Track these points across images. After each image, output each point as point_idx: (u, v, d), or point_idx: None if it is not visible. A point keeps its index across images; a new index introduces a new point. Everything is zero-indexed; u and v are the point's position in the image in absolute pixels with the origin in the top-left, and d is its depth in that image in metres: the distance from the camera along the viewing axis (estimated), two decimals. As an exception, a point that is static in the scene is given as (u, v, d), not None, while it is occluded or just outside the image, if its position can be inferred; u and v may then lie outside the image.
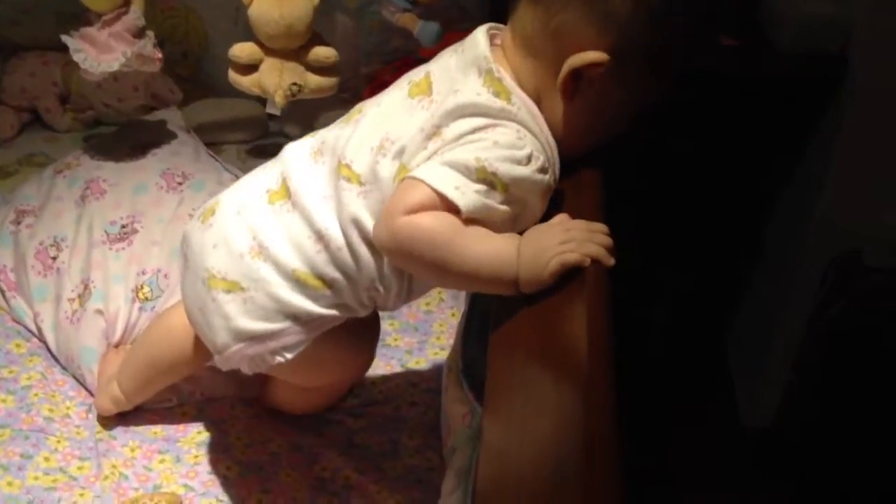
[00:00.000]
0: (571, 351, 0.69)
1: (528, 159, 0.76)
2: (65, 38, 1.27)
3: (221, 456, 1.05)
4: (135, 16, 1.29)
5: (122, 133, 1.44)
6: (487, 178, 0.75)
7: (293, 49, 1.37)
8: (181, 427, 1.08)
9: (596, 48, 0.76)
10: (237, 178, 1.34)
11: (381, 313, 0.96)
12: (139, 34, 1.30)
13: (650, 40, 0.77)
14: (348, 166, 0.82)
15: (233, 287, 0.86)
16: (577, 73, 0.78)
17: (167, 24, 1.57)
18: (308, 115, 1.51)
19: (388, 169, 0.80)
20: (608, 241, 0.75)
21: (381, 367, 1.15)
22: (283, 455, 1.05)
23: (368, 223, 0.80)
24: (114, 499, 0.98)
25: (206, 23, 1.60)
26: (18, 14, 1.56)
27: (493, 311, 0.80)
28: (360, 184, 0.81)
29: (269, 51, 1.37)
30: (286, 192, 0.86)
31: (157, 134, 1.41)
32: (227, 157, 1.49)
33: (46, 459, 1.02)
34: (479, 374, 0.87)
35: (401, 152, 0.80)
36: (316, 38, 1.39)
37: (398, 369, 1.18)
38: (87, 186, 1.27)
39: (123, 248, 1.19)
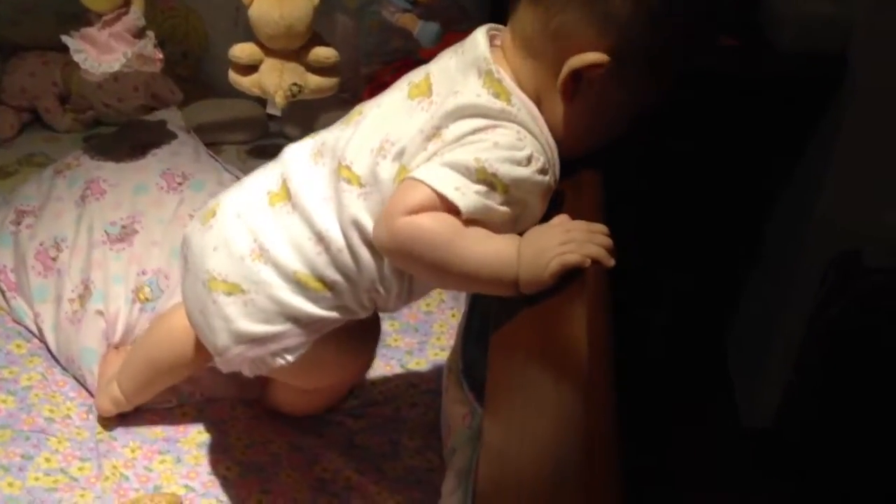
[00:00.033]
0: (572, 352, 0.69)
1: (529, 160, 0.76)
2: (65, 39, 1.27)
3: (222, 457, 1.05)
4: (135, 16, 1.29)
5: (123, 133, 1.44)
6: (487, 179, 0.75)
7: (293, 49, 1.37)
8: (182, 428, 1.08)
9: (596, 49, 0.76)
10: (237, 178, 1.35)
11: (381, 314, 0.97)
12: (139, 34, 1.30)
13: (650, 41, 0.77)
14: (348, 168, 0.82)
15: (233, 289, 0.86)
16: (577, 75, 0.78)
17: (167, 24, 1.57)
18: (308, 115, 1.52)
19: (388, 170, 0.80)
20: (608, 241, 0.75)
21: (381, 367, 1.15)
22: (284, 456, 1.05)
23: (369, 225, 0.80)
24: (114, 499, 0.98)
25: (206, 23, 1.60)
26: (18, 14, 1.56)
27: (493, 311, 0.80)
28: (361, 185, 0.81)
29: (269, 51, 1.37)
30: (286, 194, 0.86)
31: (157, 134, 1.41)
32: (227, 157, 1.49)
33: (47, 460, 1.02)
34: (479, 375, 0.87)
35: (401, 153, 0.80)
36: (316, 39, 1.39)
37: (398, 370, 1.18)
38: (88, 187, 1.27)
39: (123, 249, 1.19)
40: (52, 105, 1.56)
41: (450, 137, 0.77)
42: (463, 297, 1.21)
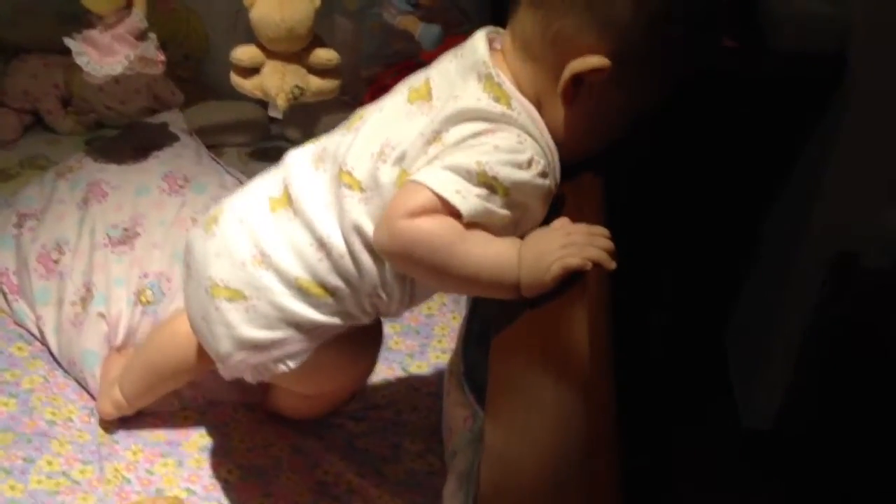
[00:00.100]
0: (573, 354, 0.69)
1: (529, 163, 0.77)
2: (67, 41, 1.27)
3: (223, 460, 1.05)
4: (137, 18, 1.29)
5: (124, 136, 1.44)
6: (488, 182, 0.75)
7: (295, 52, 1.37)
8: (183, 431, 1.08)
9: (597, 53, 0.77)
10: (239, 180, 1.35)
11: (382, 319, 0.97)
12: (141, 36, 1.30)
13: (651, 45, 0.77)
14: (349, 173, 0.82)
15: (235, 295, 0.86)
16: (577, 79, 0.78)
17: (168, 26, 1.57)
18: (309, 118, 1.52)
19: (388, 175, 0.80)
20: (609, 244, 0.75)
21: (382, 370, 1.15)
22: (285, 459, 1.05)
23: (370, 230, 0.80)
24: (116, 503, 0.98)
25: (206, 25, 1.60)
26: (19, 15, 1.56)
27: (494, 314, 0.80)
28: (362, 190, 0.81)
29: (270, 54, 1.37)
30: (288, 200, 0.86)
31: (158, 136, 1.41)
32: (228, 159, 1.49)
33: (49, 463, 1.02)
34: (480, 378, 0.87)
35: (401, 158, 0.80)
36: (317, 41, 1.39)
37: (399, 373, 1.18)
38: (89, 189, 1.27)
39: (125, 252, 1.19)
40: (54, 107, 1.56)
41: (450, 141, 0.77)
42: (464, 300, 1.22)
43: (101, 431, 1.07)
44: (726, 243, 1.57)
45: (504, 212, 0.76)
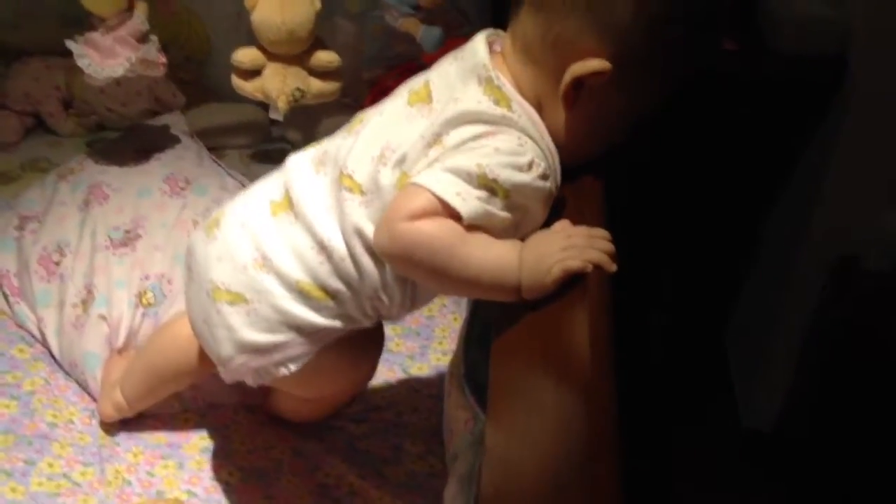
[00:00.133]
0: (573, 357, 0.69)
1: (530, 166, 0.77)
2: (69, 44, 1.27)
3: (224, 462, 1.05)
4: (139, 20, 1.29)
5: (126, 138, 1.44)
6: (489, 185, 0.75)
7: (296, 54, 1.37)
8: (184, 433, 1.08)
9: (598, 56, 0.77)
10: (240, 182, 1.36)
11: (383, 321, 0.97)
12: (143, 39, 1.30)
13: (651, 47, 0.77)
14: (350, 176, 0.82)
15: (237, 299, 0.86)
16: (578, 82, 0.78)
17: (169, 28, 1.57)
18: (310, 120, 1.52)
19: (389, 178, 0.80)
20: (610, 247, 0.75)
21: (382, 372, 1.15)
22: (286, 461, 1.05)
23: (371, 233, 0.80)
24: (117, 504, 0.98)
25: (207, 27, 1.60)
26: (21, 18, 1.56)
27: (494, 317, 0.80)
28: (362, 193, 0.81)
29: (271, 56, 1.37)
30: (289, 204, 0.86)
31: (160, 138, 1.41)
32: (229, 161, 1.49)
33: (50, 465, 1.02)
34: (481, 380, 0.87)
35: (402, 160, 0.80)
36: (318, 44, 1.39)
37: (400, 375, 1.19)
38: (91, 191, 1.27)
39: (126, 254, 1.19)
40: (56, 109, 1.56)
41: (451, 143, 0.77)
42: (464, 302, 1.22)
43: (101, 433, 1.07)
44: (727, 245, 1.57)
45: (504, 214, 0.76)
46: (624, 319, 0.78)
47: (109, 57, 1.28)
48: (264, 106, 1.51)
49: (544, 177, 0.78)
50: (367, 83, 1.57)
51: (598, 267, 0.73)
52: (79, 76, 1.36)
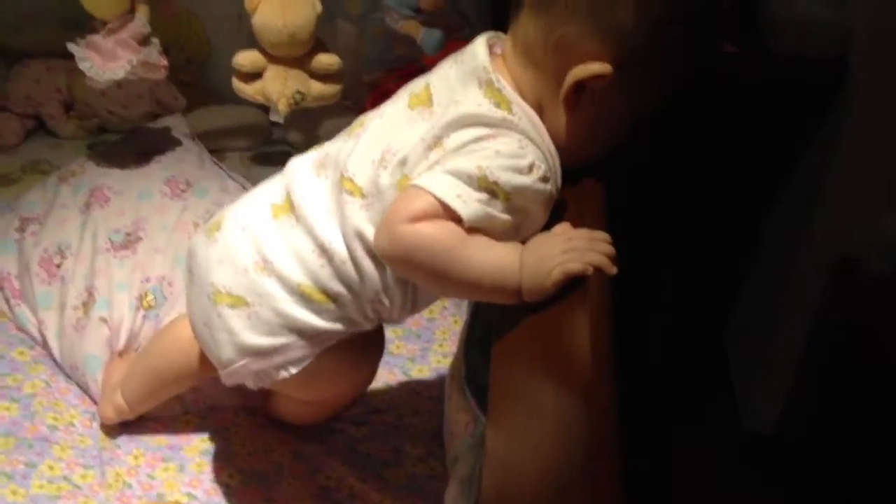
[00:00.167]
0: (574, 360, 0.69)
1: (530, 168, 0.77)
2: (71, 47, 1.27)
3: (224, 465, 1.05)
4: (140, 23, 1.30)
5: (127, 140, 1.45)
6: (489, 187, 0.75)
7: (297, 57, 1.38)
8: (185, 436, 1.08)
9: (599, 59, 0.77)
10: (240, 185, 1.36)
11: (384, 324, 0.97)
12: (144, 41, 1.30)
13: (652, 49, 0.77)
14: (350, 179, 0.82)
15: (238, 302, 0.86)
16: (580, 85, 0.78)
17: (171, 31, 1.57)
18: (311, 122, 1.52)
19: (389, 181, 0.80)
20: (610, 249, 0.75)
21: (383, 375, 1.15)
22: (286, 464, 1.05)
23: (372, 236, 0.80)
24: (117, 507, 0.98)
25: (209, 29, 1.60)
26: (22, 21, 1.57)
27: (495, 319, 0.80)
28: (363, 196, 0.81)
29: (272, 59, 1.38)
30: (290, 207, 0.86)
31: (161, 141, 1.41)
32: (230, 163, 1.50)
33: (50, 468, 1.02)
34: (481, 382, 0.87)
35: (402, 163, 0.80)
36: (319, 46, 1.40)
37: (401, 377, 1.18)
38: (92, 194, 1.27)
39: (127, 256, 1.19)
40: (57, 112, 1.56)
41: (451, 146, 0.77)
42: (465, 304, 1.21)
43: (102, 436, 1.07)
44: (728, 248, 1.57)
45: (505, 217, 0.76)
46: (624, 320, 0.78)
47: (111, 60, 1.28)
48: (265, 108, 1.51)
49: (545, 179, 0.78)
50: (367, 85, 1.58)
51: (598, 270, 0.73)
52: (80, 78, 1.36)
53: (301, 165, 0.88)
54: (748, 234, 1.56)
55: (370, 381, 1.05)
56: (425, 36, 1.43)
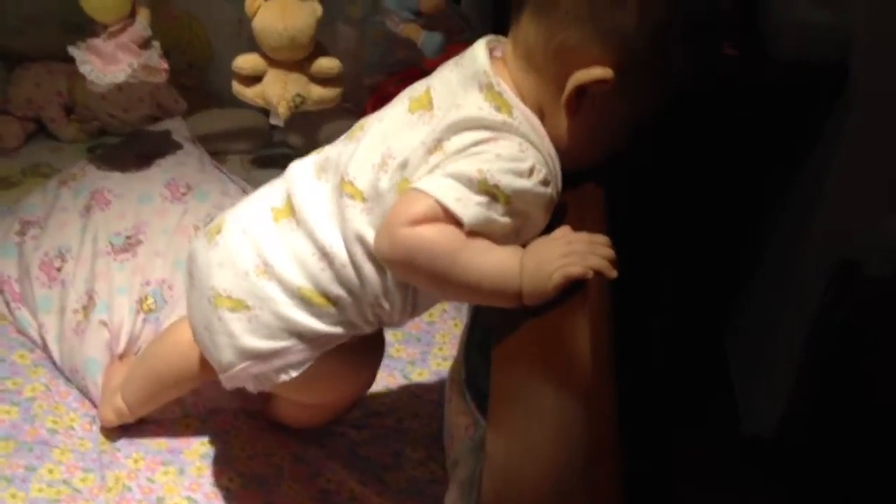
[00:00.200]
0: (574, 363, 0.69)
1: (530, 172, 0.77)
2: (72, 50, 1.27)
3: (224, 468, 1.05)
4: (141, 27, 1.30)
5: (127, 143, 1.44)
6: (489, 191, 0.75)
7: (297, 60, 1.38)
8: (185, 439, 1.08)
9: (600, 64, 0.77)
10: (241, 188, 1.36)
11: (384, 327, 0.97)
12: (145, 45, 1.30)
13: (653, 52, 0.77)
14: (351, 183, 0.82)
15: (238, 305, 0.86)
16: (581, 90, 0.78)
17: (171, 34, 1.57)
18: (311, 125, 1.52)
19: (390, 184, 0.80)
20: (610, 253, 0.75)
21: (383, 378, 1.15)
22: (286, 467, 1.05)
23: (372, 240, 0.81)
24: (117, 510, 0.98)
25: (209, 33, 1.61)
26: (23, 24, 1.57)
27: (495, 322, 0.80)
28: (363, 200, 0.81)
29: (272, 62, 1.38)
30: (291, 210, 0.86)
31: (161, 144, 1.41)
32: (230, 166, 1.50)
33: (50, 471, 1.02)
34: (481, 386, 0.87)
35: (403, 166, 0.80)
36: (319, 50, 1.40)
37: (401, 380, 1.18)
38: (92, 197, 1.27)
39: (127, 259, 1.19)
40: (57, 115, 1.56)
41: (452, 149, 0.77)
42: (465, 307, 1.22)
43: (102, 439, 1.07)
44: (729, 251, 1.57)
45: (505, 220, 0.76)
46: (625, 322, 0.78)
47: (111, 63, 1.28)
48: (265, 112, 1.51)
49: (545, 183, 0.78)
50: (368, 89, 1.58)
51: (598, 273, 0.73)
52: (81, 82, 1.36)
53: (302, 169, 0.89)
54: (749, 236, 1.56)
55: (370, 384, 1.05)
56: (426, 39, 1.44)
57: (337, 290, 0.84)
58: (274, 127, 1.57)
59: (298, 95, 1.38)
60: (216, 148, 1.52)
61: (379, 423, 1.12)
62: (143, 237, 1.21)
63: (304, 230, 0.85)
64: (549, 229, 0.80)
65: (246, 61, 1.38)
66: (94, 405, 1.11)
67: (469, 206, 0.74)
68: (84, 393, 1.13)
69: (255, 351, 0.86)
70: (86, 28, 1.31)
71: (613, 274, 0.74)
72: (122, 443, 1.07)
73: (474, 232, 0.75)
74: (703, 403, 1.60)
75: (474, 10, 1.64)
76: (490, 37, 0.85)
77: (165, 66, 1.31)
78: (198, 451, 1.07)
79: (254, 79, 1.39)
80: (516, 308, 0.76)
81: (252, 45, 1.39)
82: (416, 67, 1.47)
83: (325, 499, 1.02)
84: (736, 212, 1.52)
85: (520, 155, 0.77)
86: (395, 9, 1.47)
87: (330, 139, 0.92)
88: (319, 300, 0.84)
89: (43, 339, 1.18)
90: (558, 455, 0.65)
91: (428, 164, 0.78)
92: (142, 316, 1.15)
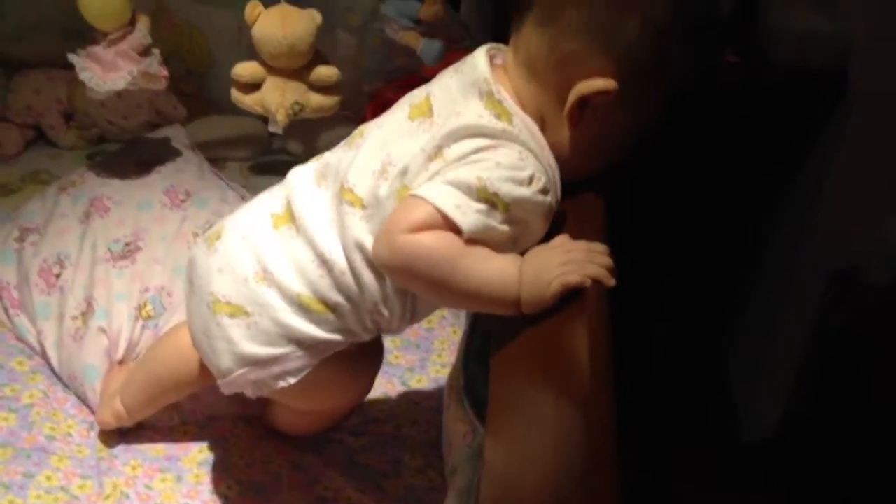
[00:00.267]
0: (573, 371, 0.69)
1: (530, 180, 0.77)
2: (71, 58, 1.28)
3: (222, 475, 1.05)
4: (140, 34, 1.30)
5: (126, 150, 1.45)
6: (489, 198, 0.75)
7: (296, 68, 1.38)
8: (183, 446, 1.08)
9: (603, 75, 0.77)
10: (240, 195, 1.36)
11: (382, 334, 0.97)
12: (145, 52, 1.30)
13: (655, 60, 0.77)
14: (351, 190, 0.82)
15: (237, 311, 0.86)
16: (583, 101, 0.78)
17: (171, 41, 1.58)
18: (310, 132, 1.52)
19: (389, 191, 0.80)
20: (608, 261, 0.75)
21: (381, 385, 1.15)
22: (284, 474, 1.05)
23: (371, 247, 0.81)
24: (115, 518, 0.98)
25: (209, 40, 1.61)
26: (23, 31, 1.57)
27: (494, 330, 0.80)
28: (363, 207, 0.82)
29: (271, 70, 1.38)
30: (290, 217, 0.86)
31: (160, 151, 1.41)
32: (229, 173, 1.50)
33: (48, 478, 1.02)
34: (480, 393, 0.87)
35: (403, 174, 0.80)
36: (318, 57, 1.40)
37: (399, 387, 1.18)
38: (91, 204, 1.27)
39: (126, 266, 1.19)
40: (57, 122, 1.56)
41: (452, 157, 0.78)
42: (464, 314, 1.21)
43: (100, 446, 1.07)
44: (728, 256, 1.57)
45: (504, 228, 0.76)
46: (625, 329, 0.78)
47: (111, 70, 1.28)
48: (264, 119, 1.52)
49: (545, 191, 0.78)
50: (367, 96, 1.58)
51: (597, 281, 0.73)
52: (80, 89, 1.36)
53: (302, 176, 0.89)
54: (749, 241, 1.57)
55: (368, 391, 1.05)
56: (425, 47, 1.44)
57: (336, 297, 0.84)
58: (273, 134, 1.58)
59: (297, 103, 1.38)
60: (215, 155, 1.52)
61: (377, 431, 1.12)
62: (142, 244, 1.21)
63: (303, 237, 0.85)
64: (548, 238, 0.80)
65: (245, 69, 1.38)
66: (93, 412, 1.10)
67: (468, 214, 0.74)
68: (82, 399, 1.13)
69: (254, 357, 0.86)
70: (86, 35, 1.31)
71: (611, 282, 0.74)
72: (120, 449, 1.07)
73: (473, 239, 0.76)
74: (702, 403, 1.60)
75: (474, 17, 1.64)
76: (490, 44, 0.85)
77: (165, 73, 1.31)
78: (196, 458, 1.07)
79: (253, 86, 1.39)
80: (515, 316, 0.76)
81: (252, 52, 1.39)
82: (415, 75, 1.47)
83: (323, 506, 1.02)
84: (735, 219, 1.52)
85: (520, 163, 0.77)
86: (395, 16, 1.47)
87: (329, 146, 0.92)
88: (318, 307, 0.84)
89: (41, 345, 1.18)
90: (557, 463, 0.64)
91: (428, 172, 0.78)
92: (140, 323, 1.15)
